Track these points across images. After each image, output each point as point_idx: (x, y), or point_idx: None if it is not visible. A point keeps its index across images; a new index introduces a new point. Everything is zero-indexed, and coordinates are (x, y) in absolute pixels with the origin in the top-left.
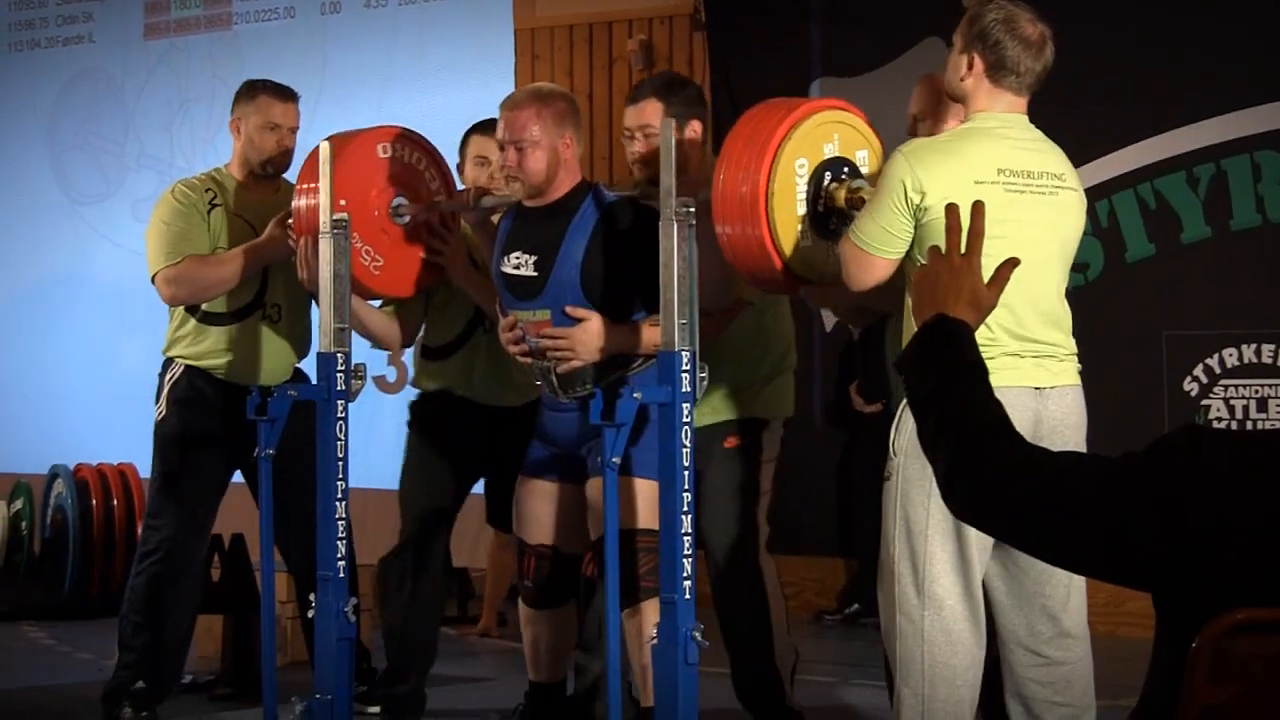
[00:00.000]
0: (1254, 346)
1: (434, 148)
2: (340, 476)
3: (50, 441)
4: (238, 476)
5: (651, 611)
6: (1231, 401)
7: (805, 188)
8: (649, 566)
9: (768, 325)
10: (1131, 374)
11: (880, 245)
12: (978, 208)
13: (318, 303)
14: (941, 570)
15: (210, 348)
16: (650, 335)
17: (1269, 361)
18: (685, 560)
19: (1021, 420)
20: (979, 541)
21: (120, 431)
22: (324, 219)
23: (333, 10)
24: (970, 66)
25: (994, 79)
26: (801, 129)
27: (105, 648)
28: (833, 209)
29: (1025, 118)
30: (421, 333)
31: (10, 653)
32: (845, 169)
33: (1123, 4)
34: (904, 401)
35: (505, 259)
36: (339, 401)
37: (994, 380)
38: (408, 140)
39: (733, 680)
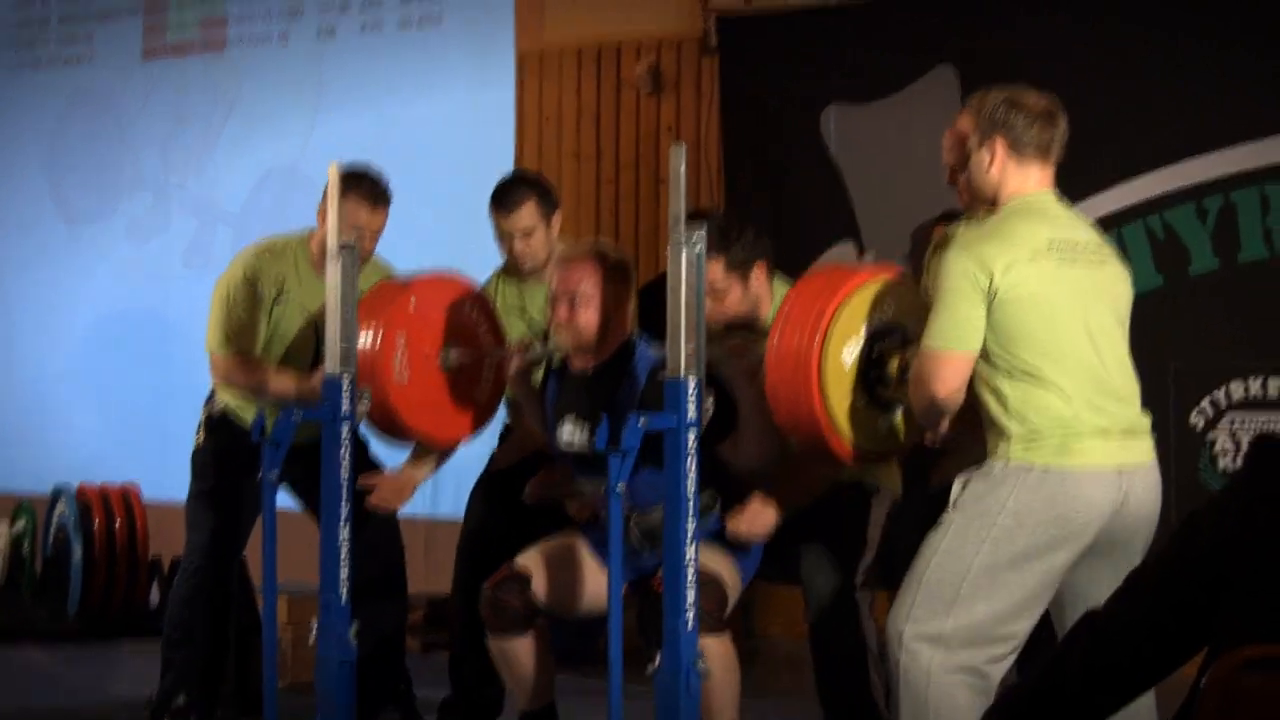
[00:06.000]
0: (1261, 379)
1: (492, 309)
2: (345, 500)
3: (52, 462)
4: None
5: (707, 646)
6: (1238, 435)
7: (858, 351)
8: (707, 604)
9: None
10: None
11: (960, 339)
12: None
13: None
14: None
15: (254, 403)
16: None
17: (1276, 395)
18: (688, 589)
19: (1104, 501)
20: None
21: (123, 452)
22: (331, 242)
23: (328, 35)
24: (992, 155)
25: (1018, 156)
26: (860, 295)
27: (106, 669)
28: (884, 379)
29: (1055, 193)
30: None
31: (10, 673)
32: (900, 337)
33: (1132, 35)
34: (974, 471)
35: (559, 428)
36: (343, 425)
37: (1080, 461)
38: (477, 300)
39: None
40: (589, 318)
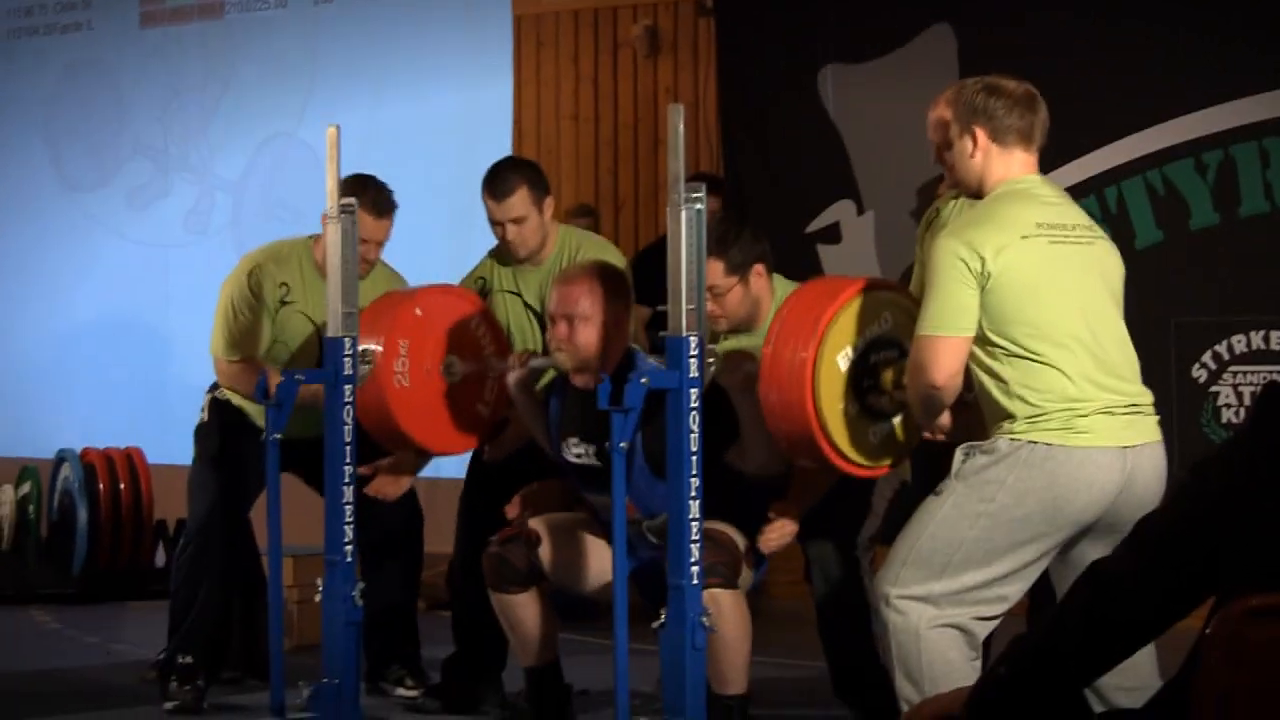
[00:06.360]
0: (1263, 333)
1: (498, 325)
2: (348, 461)
3: (57, 425)
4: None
5: (713, 601)
6: (1240, 388)
7: (852, 357)
8: (711, 560)
9: None
10: (1140, 361)
11: (954, 324)
12: None
13: None
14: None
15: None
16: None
17: (1278, 348)
18: (693, 545)
19: (1108, 483)
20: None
21: (127, 415)
22: (331, 204)
23: (325, 0)
24: (975, 142)
25: (1001, 142)
26: (856, 304)
27: (112, 632)
28: (878, 388)
29: (1040, 177)
30: None
31: (17, 636)
32: (896, 350)
33: None
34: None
35: (565, 445)
36: (346, 386)
37: (1086, 440)
38: (485, 317)
39: (831, 673)
40: (588, 337)
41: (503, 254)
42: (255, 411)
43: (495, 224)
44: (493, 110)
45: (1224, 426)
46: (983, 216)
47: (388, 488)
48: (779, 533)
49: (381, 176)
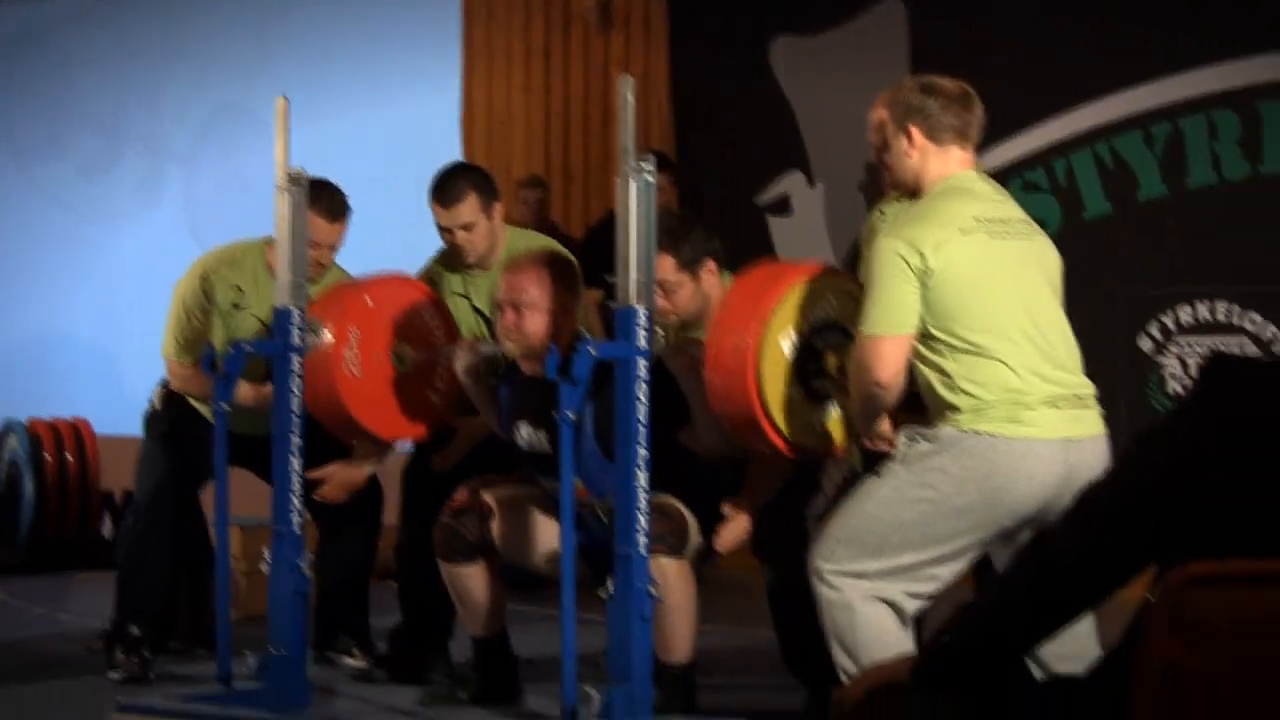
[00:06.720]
0: (1209, 304)
1: (448, 312)
2: (294, 431)
3: (2, 396)
4: None
5: (659, 570)
6: (1186, 359)
7: (796, 341)
8: (658, 530)
9: None
10: (1087, 331)
11: (897, 322)
12: None
13: None
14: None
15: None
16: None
17: (1224, 319)
18: (640, 515)
19: (1048, 475)
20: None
21: (74, 386)
22: (280, 175)
23: None
24: (911, 140)
25: (936, 139)
26: (802, 288)
27: (60, 602)
28: (822, 371)
29: (977, 173)
30: None
31: None
32: (840, 334)
33: None
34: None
35: (516, 430)
36: (294, 356)
37: (1028, 431)
38: (436, 306)
39: (780, 645)
40: (536, 324)
41: (450, 259)
42: (208, 411)
43: (444, 230)
44: (443, 80)
45: (1169, 397)
46: (921, 214)
47: (337, 494)
48: (733, 532)
49: (331, 147)
